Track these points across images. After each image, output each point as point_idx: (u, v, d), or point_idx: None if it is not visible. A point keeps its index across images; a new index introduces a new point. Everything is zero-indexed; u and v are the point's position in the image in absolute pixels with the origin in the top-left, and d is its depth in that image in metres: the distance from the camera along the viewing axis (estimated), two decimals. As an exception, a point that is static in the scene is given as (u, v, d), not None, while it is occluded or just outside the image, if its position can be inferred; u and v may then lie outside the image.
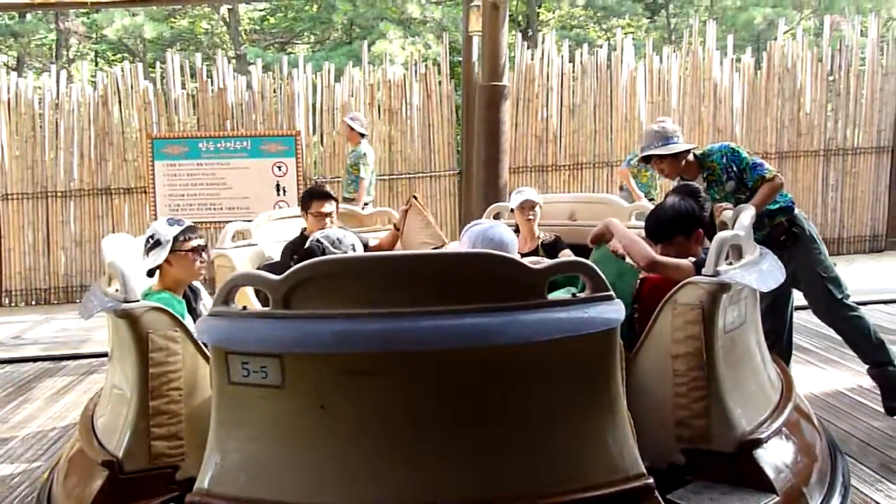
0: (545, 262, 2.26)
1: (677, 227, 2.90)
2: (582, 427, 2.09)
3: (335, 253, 2.98)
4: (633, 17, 16.29)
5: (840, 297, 3.63)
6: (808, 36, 9.15)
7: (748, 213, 3.02)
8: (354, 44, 13.67)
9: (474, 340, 1.96)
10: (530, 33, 14.76)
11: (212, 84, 7.63)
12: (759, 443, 2.44)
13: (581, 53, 8.08)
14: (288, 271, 2.02)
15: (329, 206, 4.00)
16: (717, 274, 2.45)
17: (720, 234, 2.59)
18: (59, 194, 7.54)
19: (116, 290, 2.52)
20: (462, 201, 7.83)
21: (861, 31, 8.66)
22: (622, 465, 2.09)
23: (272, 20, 16.54)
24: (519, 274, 2.02)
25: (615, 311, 2.07)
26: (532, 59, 7.94)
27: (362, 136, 6.55)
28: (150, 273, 2.96)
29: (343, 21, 14.73)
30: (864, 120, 8.43)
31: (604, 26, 16.54)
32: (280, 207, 7.61)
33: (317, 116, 7.85)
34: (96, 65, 15.82)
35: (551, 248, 4.08)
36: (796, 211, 3.66)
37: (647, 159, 3.74)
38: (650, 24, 17.04)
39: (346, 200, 6.35)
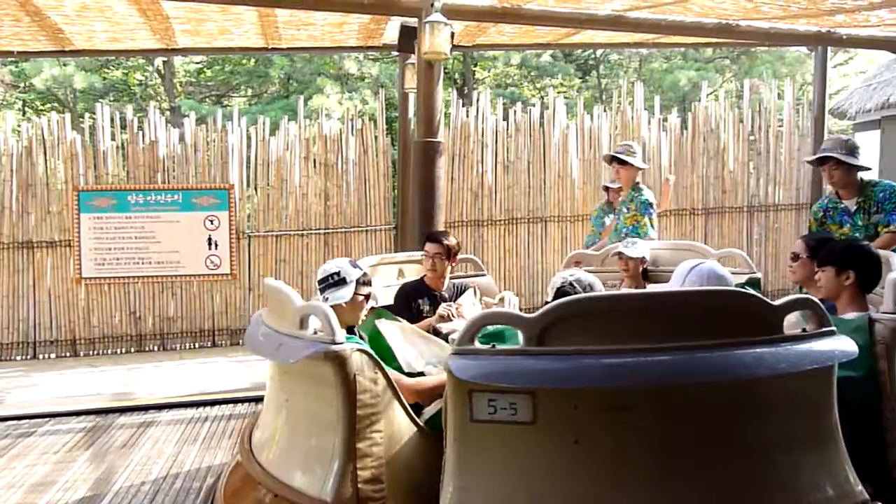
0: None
1: (833, 258, 3.05)
2: (818, 454, 2.22)
3: None
4: (566, 77, 16.82)
5: None
6: (729, 98, 9.58)
7: None
8: (291, 98, 13.73)
9: (739, 372, 2.04)
10: (466, 91, 15.07)
11: (143, 136, 7.49)
12: None
13: (515, 112, 8.26)
14: (542, 310, 2.08)
15: (434, 248, 4.24)
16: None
17: (893, 276, 2.77)
18: (-24, 247, 7.22)
19: (316, 332, 2.53)
20: (398, 255, 7.81)
21: (778, 94, 9.11)
22: (852, 491, 2.23)
23: (208, 73, 16.47)
24: (763, 310, 2.16)
25: (849, 343, 2.24)
26: (467, 116, 8.07)
27: None
28: None
29: (280, 75, 14.78)
30: (783, 178, 8.82)
31: (537, 86, 17.03)
32: (212, 262, 7.47)
33: (251, 170, 7.78)
34: (23, 114, 15.40)
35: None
36: None
37: (824, 160, 4.06)
38: (582, 84, 17.62)
39: None
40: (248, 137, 7.78)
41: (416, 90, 6.05)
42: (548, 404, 2.04)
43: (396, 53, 7.61)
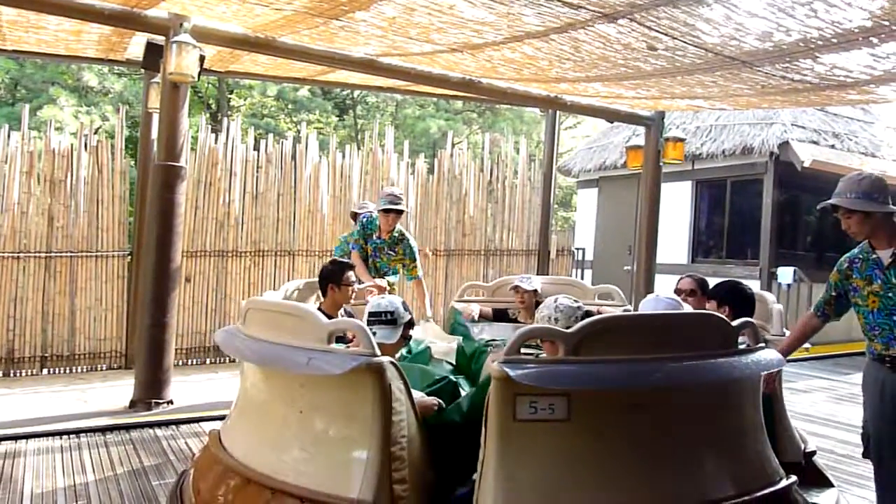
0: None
1: (714, 294, 3.85)
2: (756, 439, 2.83)
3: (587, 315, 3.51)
4: (323, 113, 16.99)
5: None
6: (473, 149, 10.28)
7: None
8: (17, 105, 12.38)
9: (723, 376, 2.63)
10: (220, 117, 14.63)
11: None
12: (814, 453, 3.53)
13: (266, 142, 8.16)
14: (577, 326, 2.53)
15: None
16: (784, 334, 3.57)
17: (778, 307, 3.84)
18: None
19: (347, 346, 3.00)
20: (131, 284, 7.29)
21: (515, 149, 9.95)
22: (777, 468, 2.85)
23: (-86, 68, 14.33)
24: (725, 328, 2.76)
25: (779, 355, 2.91)
26: (216, 142, 7.83)
27: None
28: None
29: (5, 79, 13.31)
30: (516, 225, 9.60)
31: (294, 119, 17.00)
32: None
33: (-42, 181, 6.86)
34: None
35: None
36: None
37: (835, 207, 3.22)
38: (339, 122, 17.90)
39: None
40: (-43, 144, 6.87)
41: (159, 111, 5.78)
42: (581, 404, 2.43)
43: (143, 70, 7.22)
